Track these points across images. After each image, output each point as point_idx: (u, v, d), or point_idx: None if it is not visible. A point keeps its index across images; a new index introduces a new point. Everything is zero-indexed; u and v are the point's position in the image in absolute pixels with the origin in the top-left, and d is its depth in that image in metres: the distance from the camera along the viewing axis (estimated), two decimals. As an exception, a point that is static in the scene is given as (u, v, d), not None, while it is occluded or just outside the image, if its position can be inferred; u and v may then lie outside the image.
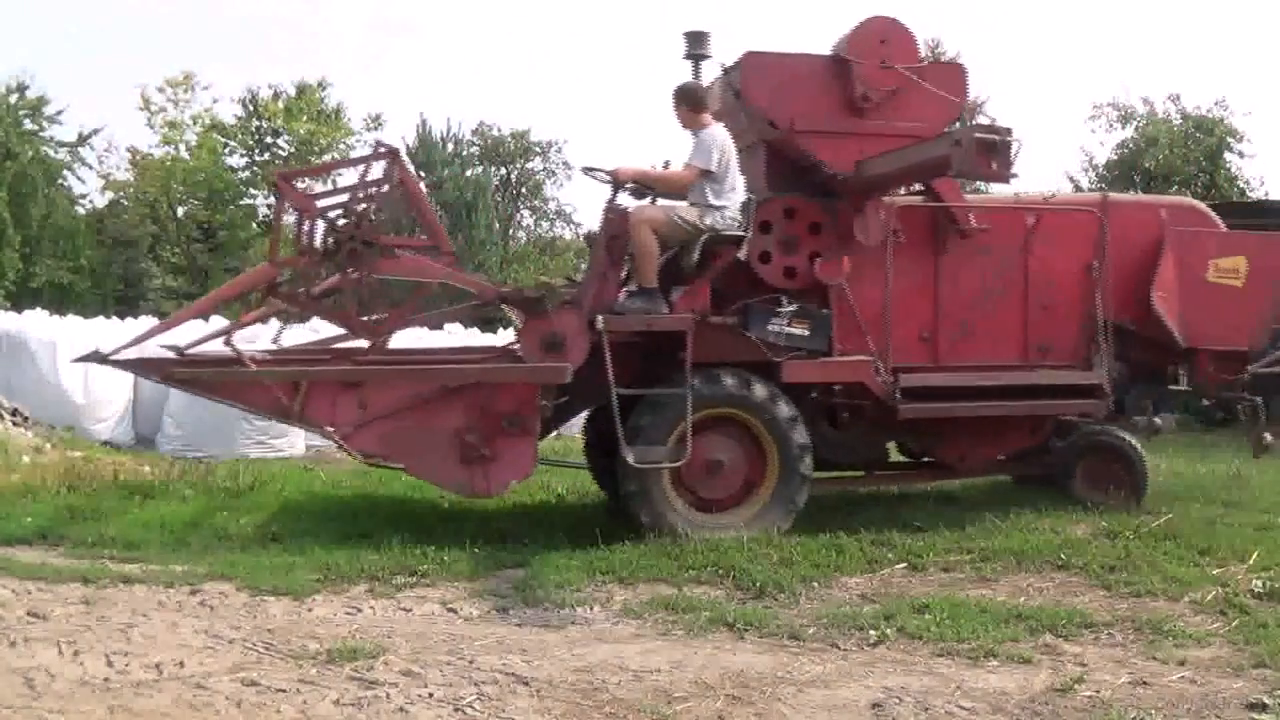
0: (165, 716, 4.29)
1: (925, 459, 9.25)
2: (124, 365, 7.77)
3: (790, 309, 7.95)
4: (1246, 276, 8.92)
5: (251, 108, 38.54)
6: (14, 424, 11.86)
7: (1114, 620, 5.76)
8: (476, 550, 7.25)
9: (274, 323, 8.63)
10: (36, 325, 14.50)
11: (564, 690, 4.65)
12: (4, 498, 8.72)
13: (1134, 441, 9.16)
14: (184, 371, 7.52)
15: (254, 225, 38.28)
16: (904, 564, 7.03)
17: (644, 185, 7.98)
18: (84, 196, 39.13)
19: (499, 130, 42.80)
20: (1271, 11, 56.43)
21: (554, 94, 72.06)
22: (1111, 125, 34.21)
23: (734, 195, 7.84)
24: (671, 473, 7.60)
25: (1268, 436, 9.30)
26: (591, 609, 6.05)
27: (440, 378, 7.56)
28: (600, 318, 7.49)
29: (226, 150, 38.56)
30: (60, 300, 30.77)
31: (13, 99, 34.06)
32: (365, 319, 7.68)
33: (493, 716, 4.36)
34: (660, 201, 8.04)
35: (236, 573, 6.60)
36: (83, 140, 35.95)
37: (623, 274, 7.98)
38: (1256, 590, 6.25)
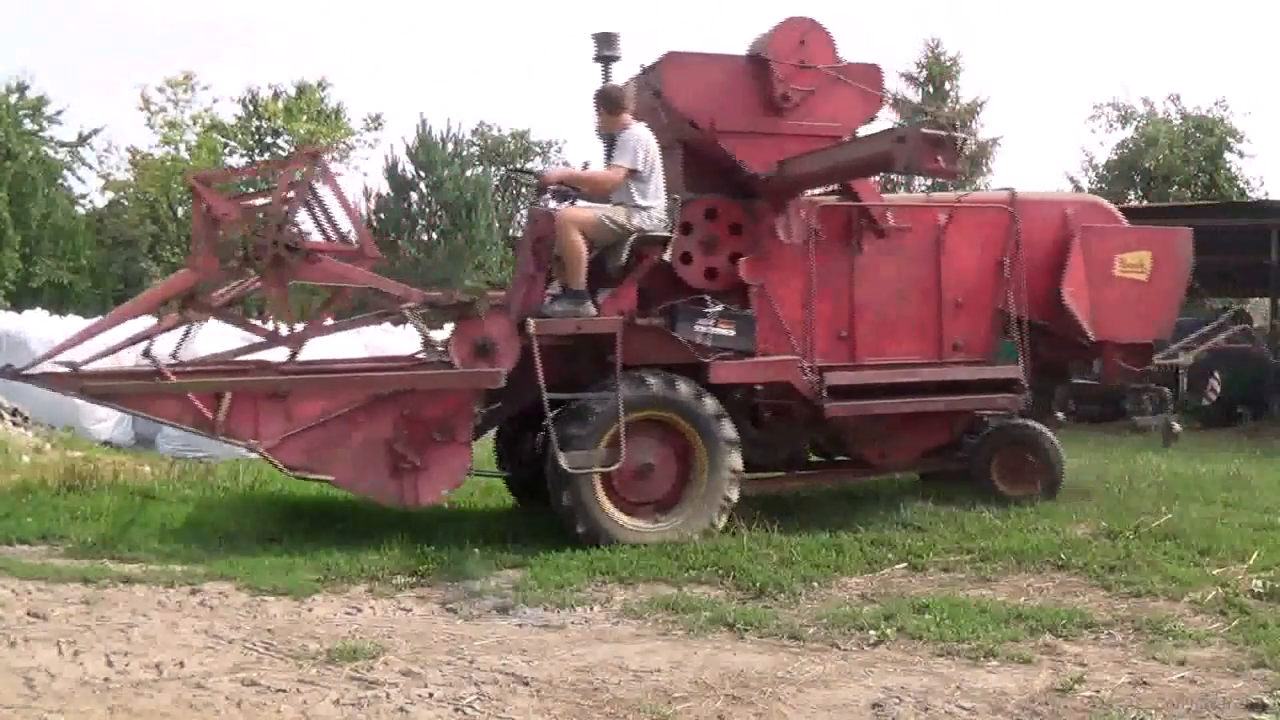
0: (165, 716, 4.29)
1: (839, 458, 9.27)
2: (37, 380, 7.40)
3: (717, 310, 7.90)
4: (1151, 271, 9.13)
5: (251, 108, 38.57)
6: (14, 424, 11.87)
7: (1114, 620, 5.76)
8: (476, 550, 7.25)
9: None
10: (36, 325, 14.49)
11: (564, 690, 4.65)
12: (4, 498, 8.71)
13: (1048, 433, 9.29)
14: (100, 385, 7.24)
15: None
16: (904, 564, 7.03)
17: (571, 186, 7.89)
18: (84, 196, 39.19)
19: (499, 130, 42.86)
20: (1271, 11, 56.47)
21: (554, 94, 72.13)
22: (1111, 125, 34.28)
23: (660, 195, 7.80)
24: (603, 479, 7.48)
25: (1176, 426, 9.48)
26: (591, 609, 6.05)
27: (369, 386, 7.39)
28: (531, 321, 7.39)
29: (226, 150, 38.58)
30: (60, 300, 30.79)
31: (13, 99, 34.08)
32: (283, 326, 7.53)
33: (493, 716, 4.36)
34: (581, 203, 7.96)
35: (236, 573, 6.60)
36: (83, 140, 35.99)
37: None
38: (1256, 590, 6.24)
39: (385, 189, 35.63)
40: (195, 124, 37.81)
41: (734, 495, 7.77)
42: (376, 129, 39.68)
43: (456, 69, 73.60)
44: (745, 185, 8.23)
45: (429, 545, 7.19)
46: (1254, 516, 8.55)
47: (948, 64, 39.07)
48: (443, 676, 4.79)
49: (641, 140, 7.71)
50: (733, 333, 7.90)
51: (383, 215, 35.05)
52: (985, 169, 40.13)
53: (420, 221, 35.16)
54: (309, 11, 73.95)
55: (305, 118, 38.10)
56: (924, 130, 7.09)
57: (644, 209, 7.68)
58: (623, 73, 8.49)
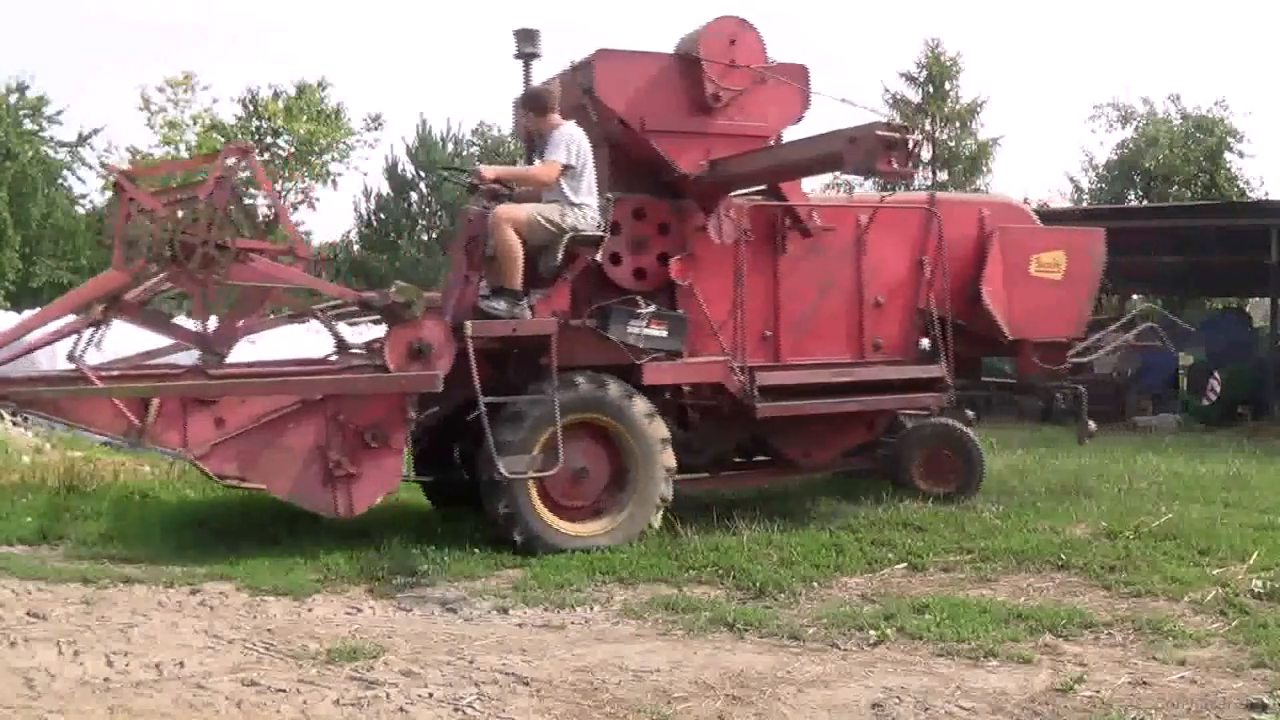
0: (165, 716, 4.29)
1: (759, 458, 9.26)
2: None
3: (649, 310, 7.83)
4: (1065, 270, 9.26)
5: (251, 108, 38.48)
6: (14, 424, 11.87)
7: (1114, 620, 5.76)
8: (476, 550, 7.25)
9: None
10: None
11: (564, 690, 4.65)
12: (4, 498, 8.72)
13: (969, 431, 9.43)
14: (24, 391, 6.96)
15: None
16: (904, 564, 7.03)
17: (507, 183, 7.77)
18: (84, 196, 39.06)
19: (499, 130, 42.79)
20: (1271, 11, 56.48)
21: (554, 94, 71.90)
22: (1111, 125, 34.30)
23: (593, 193, 7.70)
24: (537, 485, 7.36)
25: (1091, 424, 9.55)
26: (591, 609, 6.05)
27: (302, 390, 7.12)
28: (468, 324, 7.23)
29: (226, 150, 38.51)
30: (60, 300, 30.71)
31: (13, 99, 34.04)
32: (209, 329, 7.29)
33: (493, 716, 4.36)
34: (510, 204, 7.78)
35: (236, 573, 6.60)
36: (83, 140, 35.92)
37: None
38: (1256, 590, 6.24)
39: (385, 189, 35.60)
40: (195, 124, 37.71)
41: (669, 493, 7.69)
42: (376, 129, 39.57)
43: (456, 69, 73.60)
44: (673, 185, 8.18)
45: (429, 545, 7.19)
46: (1254, 516, 8.55)
47: (948, 64, 39.06)
48: (443, 676, 4.79)
49: (574, 137, 7.60)
50: (665, 334, 7.82)
51: (383, 215, 35.02)
52: (985, 169, 40.15)
53: (420, 221, 35.12)
54: (309, 11, 73.97)
55: (305, 118, 38.00)
56: (878, 131, 7.07)
57: (578, 207, 7.58)
58: (542, 70, 8.43)
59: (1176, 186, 31.23)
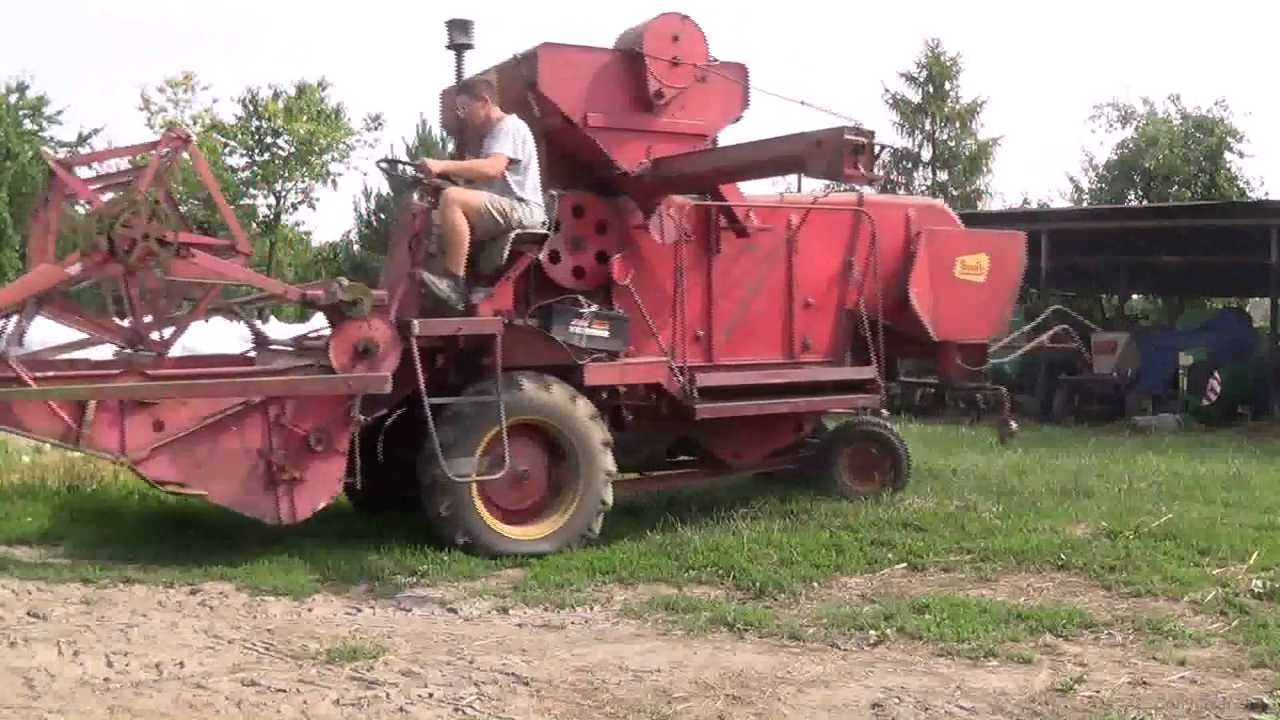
0: (165, 716, 4.29)
1: (686, 459, 9.19)
2: None
3: (591, 310, 7.72)
4: (988, 273, 9.31)
5: (251, 108, 38.49)
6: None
7: (1114, 620, 5.76)
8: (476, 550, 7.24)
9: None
10: (36, 325, 14.43)
11: (564, 690, 4.65)
12: (4, 498, 8.72)
13: (894, 430, 9.52)
14: None
15: (254, 225, 38.26)
16: (904, 564, 7.03)
17: (453, 177, 7.56)
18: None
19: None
20: (1271, 11, 56.48)
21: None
22: (1111, 125, 34.34)
23: (538, 190, 7.57)
24: (479, 487, 7.20)
25: (1012, 425, 9.61)
26: (591, 609, 6.05)
27: (247, 391, 6.84)
28: (416, 323, 7.06)
29: (226, 150, 38.54)
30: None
31: (13, 99, 34.07)
32: (146, 326, 7.03)
33: (493, 716, 4.36)
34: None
35: (236, 573, 6.59)
36: (83, 140, 35.91)
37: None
38: (1256, 590, 6.25)
39: (385, 189, 35.60)
40: (195, 124, 37.73)
41: (609, 498, 7.57)
42: (376, 129, 39.61)
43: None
44: (612, 182, 8.11)
45: (429, 545, 7.18)
46: (1254, 516, 8.55)
47: (948, 64, 39.05)
48: (443, 676, 4.79)
49: (520, 131, 7.49)
50: (607, 334, 7.72)
51: (383, 215, 35.01)
52: (985, 169, 40.13)
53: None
54: (309, 11, 73.98)
55: (305, 118, 38.03)
56: (846, 135, 7.04)
57: (524, 202, 7.46)
58: (475, 61, 8.32)
59: (1176, 186, 31.25)
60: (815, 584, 6.55)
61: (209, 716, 4.30)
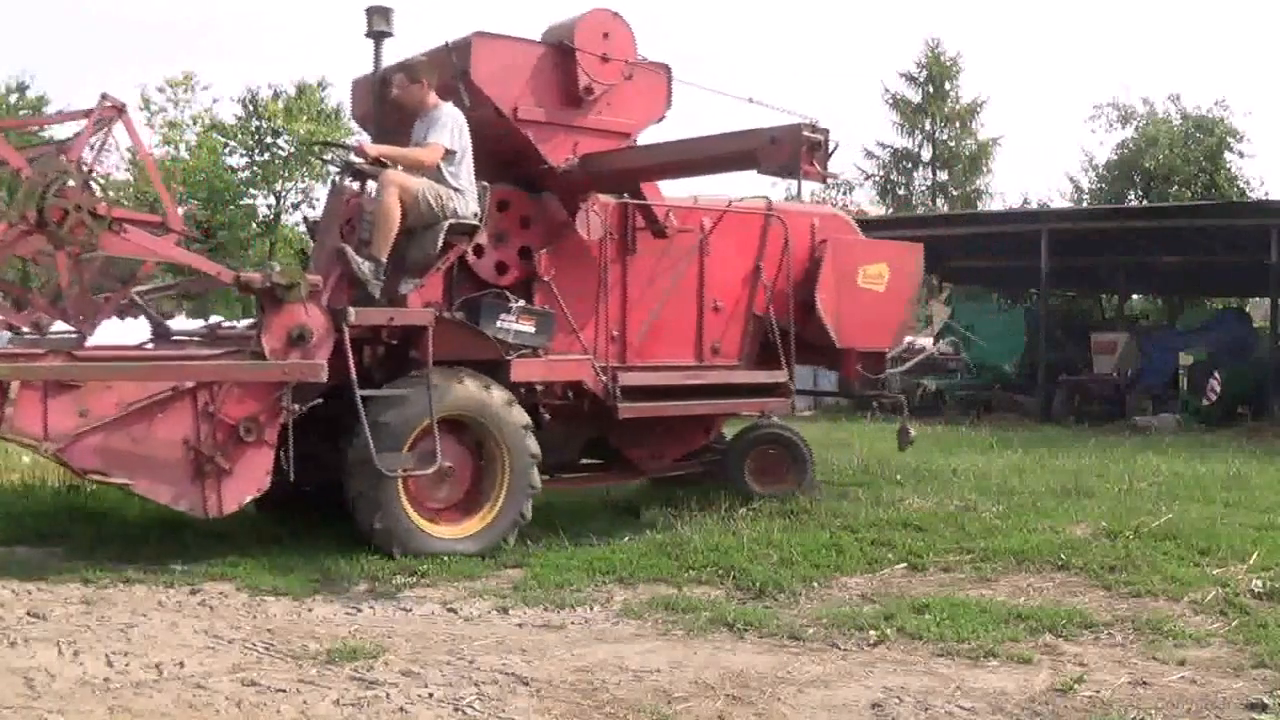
0: (165, 716, 4.29)
1: (592, 462, 9.12)
2: None
3: (519, 305, 7.61)
4: (888, 283, 9.38)
5: (251, 108, 38.54)
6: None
7: (1114, 620, 5.77)
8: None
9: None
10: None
11: (564, 690, 4.65)
12: (4, 498, 8.71)
13: (798, 434, 9.58)
14: None
15: (254, 225, 38.30)
16: (904, 564, 7.03)
17: (388, 161, 7.31)
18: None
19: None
20: (1271, 11, 56.50)
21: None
22: (1111, 125, 34.36)
23: (471, 181, 7.43)
24: (404, 488, 7.01)
25: (911, 431, 9.65)
26: (591, 609, 6.04)
27: (178, 375, 6.52)
28: (351, 311, 6.86)
29: (226, 150, 38.58)
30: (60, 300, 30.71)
31: (13, 99, 34.09)
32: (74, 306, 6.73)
33: (493, 716, 4.36)
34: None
35: (236, 573, 6.59)
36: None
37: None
38: (1256, 590, 6.25)
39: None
40: (195, 124, 37.81)
41: (528, 513, 7.44)
42: (376, 129, 39.60)
43: (456, 69, 73.40)
44: (537, 177, 8.03)
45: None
46: (1254, 516, 8.56)
47: (948, 64, 39.06)
48: (443, 676, 4.79)
49: (456, 120, 7.36)
50: (533, 329, 7.60)
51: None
52: (985, 169, 40.12)
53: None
54: (309, 11, 73.97)
55: (305, 118, 38.07)
56: (806, 133, 7.02)
57: (459, 193, 7.32)
58: (395, 50, 8.14)
59: (1176, 186, 31.26)
60: (815, 584, 6.55)
61: (209, 716, 4.30)
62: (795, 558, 7.02)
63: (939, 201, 39.17)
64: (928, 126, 39.25)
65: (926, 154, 39.64)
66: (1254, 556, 6.94)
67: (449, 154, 7.29)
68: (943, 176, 39.86)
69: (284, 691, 4.55)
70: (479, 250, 7.76)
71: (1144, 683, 4.81)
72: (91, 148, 6.63)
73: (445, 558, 6.96)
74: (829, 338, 9.07)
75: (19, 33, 55.15)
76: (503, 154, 7.97)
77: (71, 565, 6.77)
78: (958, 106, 38.93)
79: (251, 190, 38.67)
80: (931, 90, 38.76)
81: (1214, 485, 10.29)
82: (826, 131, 7.15)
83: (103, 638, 5.25)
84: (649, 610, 5.94)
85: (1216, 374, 18.90)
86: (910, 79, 39.08)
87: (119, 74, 63.78)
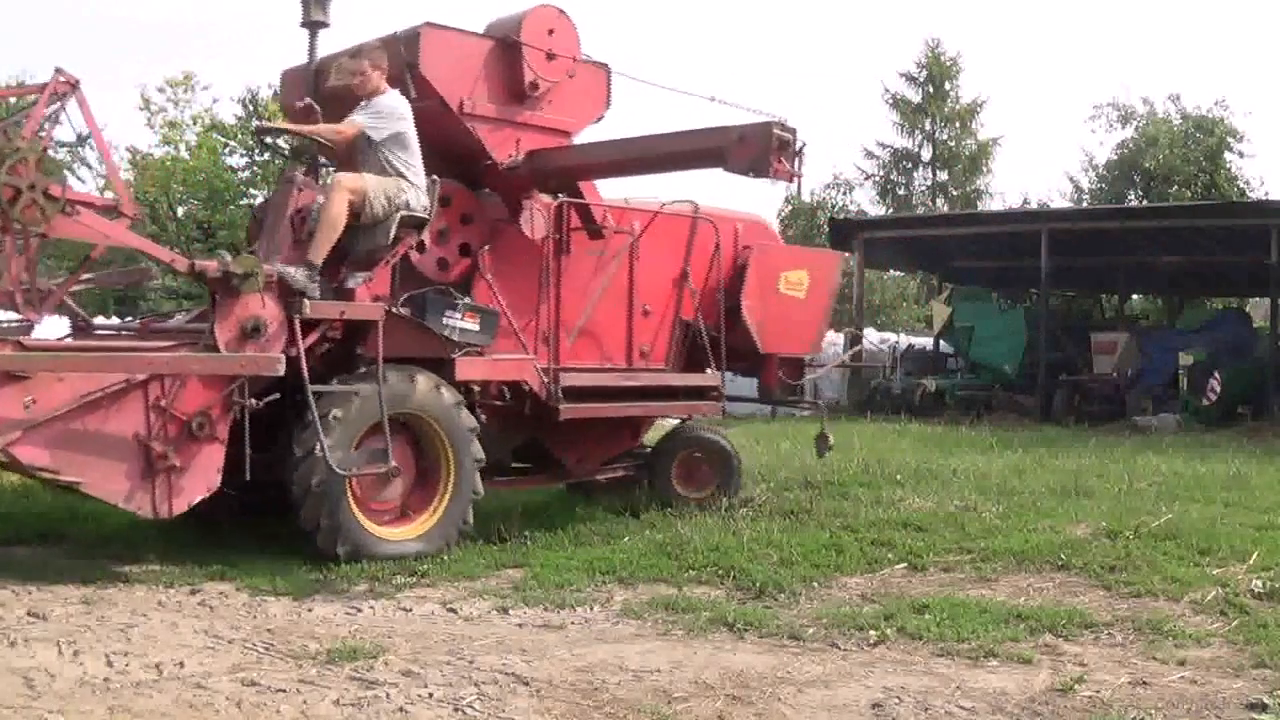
0: (165, 716, 4.29)
1: (521, 465, 8.99)
2: None
3: (465, 301, 7.46)
4: (808, 290, 9.42)
5: (251, 108, 38.51)
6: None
7: (1114, 620, 5.77)
8: (476, 550, 7.23)
9: None
10: (36, 325, 14.40)
11: (564, 690, 4.65)
12: (4, 498, 8.71)
13: (726, 438, 9.61)
14: None
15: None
16: (904, 564, 7.03)
17: (313, 138, 7.27)
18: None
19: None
20: (1271, 11, 56.51)
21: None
22: (1111, 125, 34.40)
23: (421, 173, 7.29)
24: (351, 491, 6.84)
25: (829, 438, 9.65)
26: (591, 609, 6.05)
27: (128, 367, 6.27)
28: (307, 304, 6.69)
29: (226, 150, 38.52)
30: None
31: (12, 99, 34.07)
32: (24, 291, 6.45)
33: (493, 716, 4.36)
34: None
35: (236, 573, 6.59)
36: (82, 140, 35.83)
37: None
38: (1256, 590, 6.25)
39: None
40: (195, 124, 37.74)
41: (470, 519, 7.36)
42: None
43: (456, 69, 73.44)
44: (479, 173, 7.96)
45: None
46: (1254, 516, 8.56)
47: (948, 64, 39.05)
48: (443, 676, 4.79)
49: (396, 109, 7.21)
50: (477, 327, 7.43)
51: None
52: (985, 169, 40.10)
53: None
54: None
55: (305, 117, 38.03)
56: (777, 131, 6.99)
57: (413, 185, 7.19)
58: (331, 40, 8.11)
59: (1176, 186, 31.28)
60: (815, 584, 6.55)
61: (209, 716, 4.30)
62: (795, 558, 7.03)
63: (939, 201, 39.19)
64: (928, 126, 39.24)
65: (926, 154, 39.64)
66: (1254, 556, 6.94)
67: (394, 138, 7.12)
68: (943, 176, 39.86)
69: (284, 691, 4.55)
70: (421, 246, 7.61)
71: (1144, 683, 4.81)
72: (45, 124, 6.40)
73: (446, 558, 6.96)
74: (753, 343, 9.07)
75: (19, 33, 55.17)
76: (445, 148, 7.84)
77: (71, 565, 6.77)
78: (958, 106, 38.92)
79: (251, 190, 38.64)
80: (931, 90, 38.75)
81: (1214, 485, 10.29)
82: (794, 130, 7.13)
83: (103, 638, 5.25)
84: (649, 610, 5.94)
85: (1216, 374, 18.91)
86: (910, 79, 39.08)
87: (119, 74, 63.83)
